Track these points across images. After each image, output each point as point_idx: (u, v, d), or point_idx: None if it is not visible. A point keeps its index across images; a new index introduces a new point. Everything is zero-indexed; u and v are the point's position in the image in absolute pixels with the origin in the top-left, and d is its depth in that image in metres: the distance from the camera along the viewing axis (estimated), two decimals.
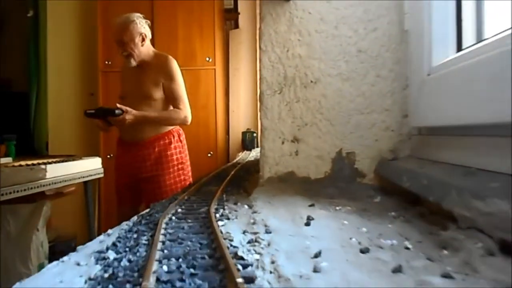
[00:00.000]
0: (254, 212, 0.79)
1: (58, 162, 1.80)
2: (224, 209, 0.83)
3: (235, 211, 0.82)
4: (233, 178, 1.35)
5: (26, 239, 1.73)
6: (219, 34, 3.66)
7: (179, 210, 0.84)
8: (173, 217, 0.77)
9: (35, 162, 1.75)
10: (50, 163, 1.73)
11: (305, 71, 1.09)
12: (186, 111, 2.24)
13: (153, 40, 3.60)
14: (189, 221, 0.73)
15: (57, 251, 2.52)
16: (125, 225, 0.76)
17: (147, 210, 0.89)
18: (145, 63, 2.21)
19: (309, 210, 0.79)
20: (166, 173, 2.21)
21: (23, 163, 1.67)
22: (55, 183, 1.64)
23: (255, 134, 3.36)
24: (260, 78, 1.14)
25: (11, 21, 4.06)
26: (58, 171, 1.70)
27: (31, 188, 1.44)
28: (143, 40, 2.19)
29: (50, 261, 2.42)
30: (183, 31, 3.56)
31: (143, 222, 0.76)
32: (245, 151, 3.12)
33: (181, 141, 2.34)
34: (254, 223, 0.70)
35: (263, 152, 1.11)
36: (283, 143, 1.10)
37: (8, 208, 1.83)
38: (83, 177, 1.97)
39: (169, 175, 2.23)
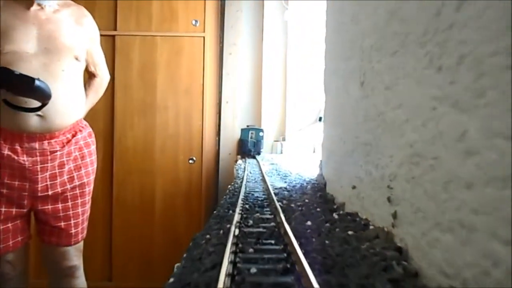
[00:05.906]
0: None
1: None
2: None
3: None
4: None
5: None
6: None
7: None
8: None
9: None
10: None
11: None
12: (107, 75, 1.64)
13: None
14: None
15: None
16: None
17: None
18: (55, 11, 1.40)
19: None
20: (88, 182, 1.46)
21: None
22: None
23: (261, 134, 2.28)
24: None
25: None
26: None
27: None
28: None
29: None
30: None
31: None
32: (246, 159, 2.04)
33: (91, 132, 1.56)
34: None
35: None
36: None
37: None
38: None
39: (90, 186, 1.48)
